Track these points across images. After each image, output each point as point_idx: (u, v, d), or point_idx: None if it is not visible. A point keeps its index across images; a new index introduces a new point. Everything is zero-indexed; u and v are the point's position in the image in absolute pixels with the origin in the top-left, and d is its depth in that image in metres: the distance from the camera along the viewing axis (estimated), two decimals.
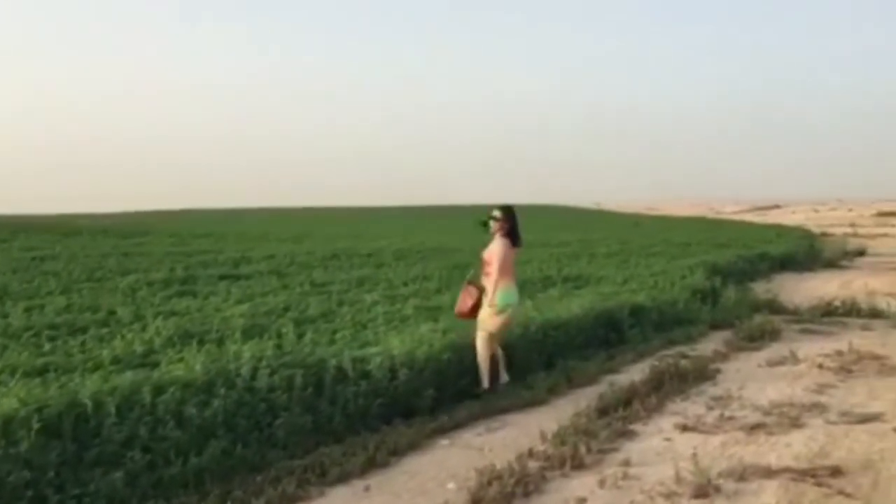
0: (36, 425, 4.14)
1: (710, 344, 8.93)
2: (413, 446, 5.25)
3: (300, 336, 7.22)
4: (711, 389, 6.76)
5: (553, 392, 6.63)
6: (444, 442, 5.43)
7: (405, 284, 12.37)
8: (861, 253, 23.18)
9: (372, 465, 4.86)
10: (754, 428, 5.56)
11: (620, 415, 5.80)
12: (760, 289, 13.68)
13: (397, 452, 5.09)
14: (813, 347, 8.56)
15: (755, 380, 7.12)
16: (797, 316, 10.83)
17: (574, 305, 9.03)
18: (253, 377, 5.30)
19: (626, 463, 4.83)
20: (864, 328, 9.95)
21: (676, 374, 6.97)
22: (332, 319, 8.63)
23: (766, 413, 5.93)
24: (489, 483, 4.41)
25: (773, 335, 9.26)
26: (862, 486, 4.43)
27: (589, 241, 23.56)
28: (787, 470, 4.66)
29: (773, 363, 7.82)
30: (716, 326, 10.01)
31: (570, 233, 30.37)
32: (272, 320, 8.49)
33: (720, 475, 4.54)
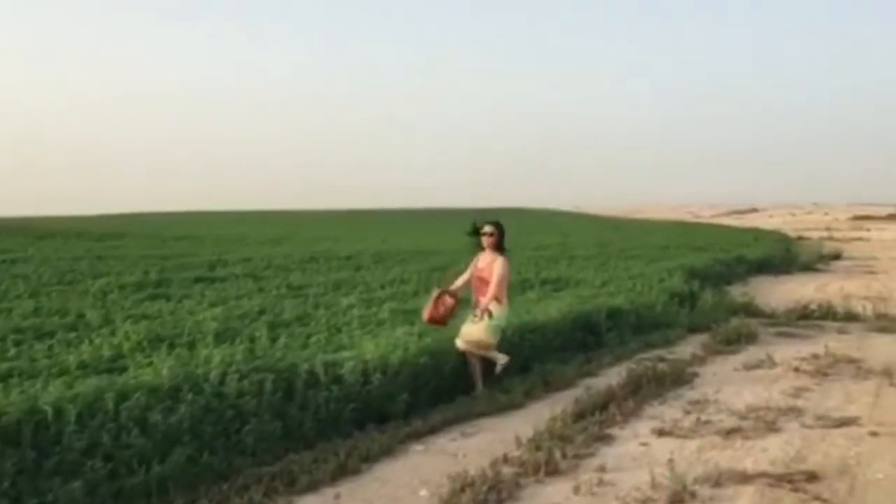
0: None
1: (687, 347, 8.91)
2: (386, 452, 5.13)
3: (273, 340, 7.07)
4: (689, 393, 6.72)
5: (530, 396, 6.55)
6: (418, 447, 5.32)
7: (382, 287, 12.28)
8: (837, 256, 23.47)
9: (343, 472, 4.73)
10: (731, 432, 5.51)
11: (597, 419, 5.72)
12: (737, 292, 13.72)
13: (369, 459, 4.97)
14: (789, 351, 8.56)
15: (732, 383, 7.10)
16: (773, 319, 10.88)
17: (552, 308, 8.96)
18: (221, 382, 5.15)
19: (602, 469, 4.76)
20: (840, 331, 9.98)
21: (654, 378, 6.93)
22: (307, 323, 8.50)
23: (743, 417, 5.90)
24: (462, 490, 4.32)
25: (749, 338, 9.26)
26: (838, 492, 4.39)
27: (568, 244, 23.60)
28: (763, 475, 4.61)
29: (749, 367, 7.80)
30: (693, 330, 10.00)
31: (549, 235, 30.42)
32: (246, 324, 8.35)
33: (696, 481, 4.49)
